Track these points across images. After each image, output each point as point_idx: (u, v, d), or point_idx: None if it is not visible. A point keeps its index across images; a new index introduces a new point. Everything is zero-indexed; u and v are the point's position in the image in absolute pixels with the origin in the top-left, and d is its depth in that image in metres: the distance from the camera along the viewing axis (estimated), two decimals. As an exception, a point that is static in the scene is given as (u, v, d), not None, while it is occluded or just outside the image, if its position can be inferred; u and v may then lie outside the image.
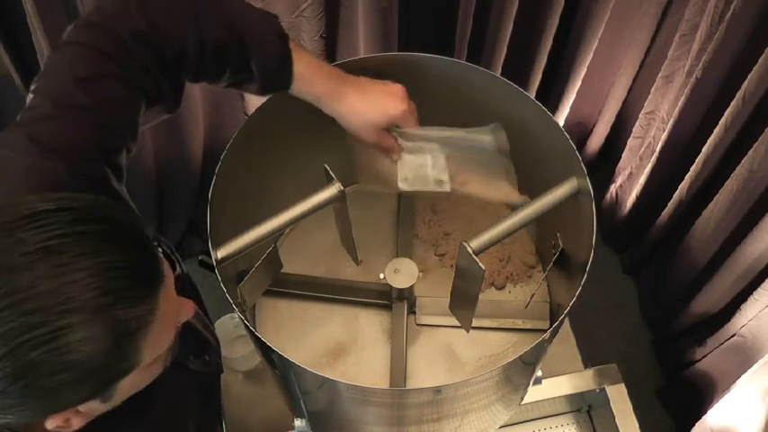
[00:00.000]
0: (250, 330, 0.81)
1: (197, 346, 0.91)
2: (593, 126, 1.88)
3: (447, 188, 0.97)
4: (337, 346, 1.11)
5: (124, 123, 0.75)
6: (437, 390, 0.80)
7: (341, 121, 0.90)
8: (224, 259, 0.86)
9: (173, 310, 0.63)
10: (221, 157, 0.91)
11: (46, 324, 0.52)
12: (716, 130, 1.42)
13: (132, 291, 0.56)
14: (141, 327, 0.57)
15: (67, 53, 0.73)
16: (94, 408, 0.62)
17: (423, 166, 0.96)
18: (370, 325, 1.13)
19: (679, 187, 1.61)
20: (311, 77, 0.86)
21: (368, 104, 0.88)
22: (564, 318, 0.86)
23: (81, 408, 0.60)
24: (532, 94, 1.64)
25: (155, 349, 0.61)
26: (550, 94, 1.77)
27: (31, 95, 0.72)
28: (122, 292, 0.55)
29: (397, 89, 0.91)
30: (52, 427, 0.59)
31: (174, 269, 0.84)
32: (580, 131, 1.90)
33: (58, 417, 0.59)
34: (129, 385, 0.62)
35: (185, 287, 0.94)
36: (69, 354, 0.53)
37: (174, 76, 0.79)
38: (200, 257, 0.98)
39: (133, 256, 0.57)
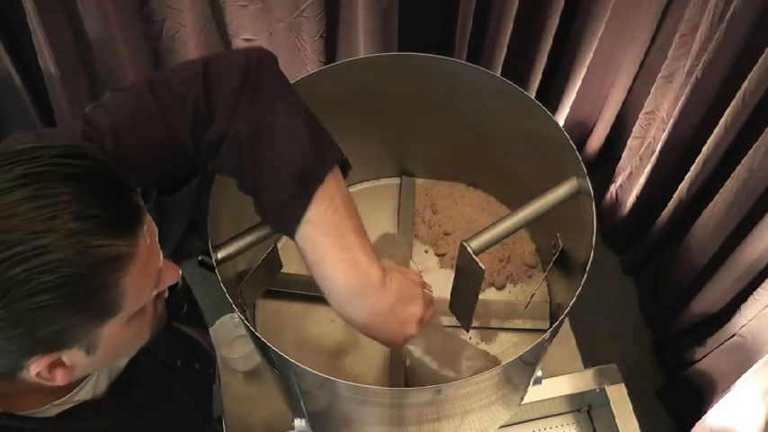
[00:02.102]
0: (250, 330, 0.81)
1: (186, 351, 0.91)
2: (593, 126, 1.88)
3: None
4: (337, 346, 1.11)
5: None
6: (437, 390, 0.80)
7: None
8: (224, 259, 0.86)
9: (154, 263, 0.63)
10: (221, 157, 0.90)
11: (24, 242, 0.53)
12: (716, 130, 1.42)
13: (111, 223, 0.57)
14: (119, 263, 0.57)
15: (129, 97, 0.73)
16: (79, 361, 0.62)
17: None
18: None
19: (679, 187, 1.61)
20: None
21: (375, 332, 0.78)
22: (564, 318, 0.86)
23: (65, 358, 0.60)
24: (532, 94, 1.64)
25: (135, 298, 0.61)
26: (550, 94, 1.77)
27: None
28: (101, 221, 0.56)
29: (415, 310, 0.79)
30: (35, 373, 0.59)
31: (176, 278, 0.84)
32: (580, 131, 1.90)
33: (42, 361, 0.59)
34: (111, 339, 0.62)
35: (190, 303, 0.95)
36: (48, 273, 0.53)
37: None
38: (200, 257, 0.98)
39: (113, 192, 0.58)
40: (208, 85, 0.71)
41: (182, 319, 0.92)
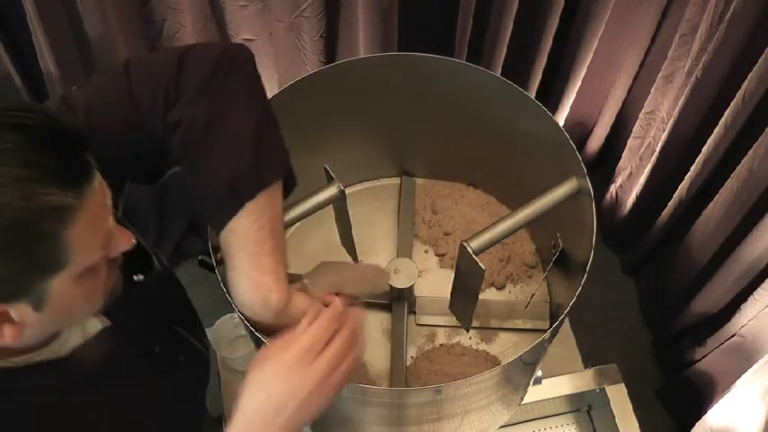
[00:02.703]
0: (250, 330, 0.81)
1: (169, 340, 0.91)
2: (593, 126, 1.88)
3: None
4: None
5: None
6: (437, 390, 0.80)
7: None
8: (224, 259, 0.86)
9: (103, 222, 0.63)
10: (221, 157, 0.90)
11: None
12: (716, 130, 1.42)
13: (58, 173, 0.57)
14: (64, 213, 0.58)
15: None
16: (27, 317, 0.62)
17: None
18: (370, 325, 1.13)
19: (679, 187, 1.61)
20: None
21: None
22: (564, 318, 0.86)
23: (12, 313, 0.60)
24: (532, 94, 1.64)
25: (82, 254, 0.61)
26: (550, 94, 1.77)
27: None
28: (47, 170, 0.57)
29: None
30: None
31: (151, 265, 0.86)
32: (580, 131, 1.90)
33: None
34: (61, 297, 0.62)
35: (168, 285, 0.95)
36: None
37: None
38: (200, 257, 0.98)
39: (63, 144, 0.59)
40: (180, 70, 0.72)
41: (170, 314, 0.93)
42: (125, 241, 0.68)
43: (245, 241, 0.73)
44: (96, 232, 0.63)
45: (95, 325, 0.78)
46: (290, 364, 0.71)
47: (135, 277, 0.83)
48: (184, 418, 0.94)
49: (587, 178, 0.90)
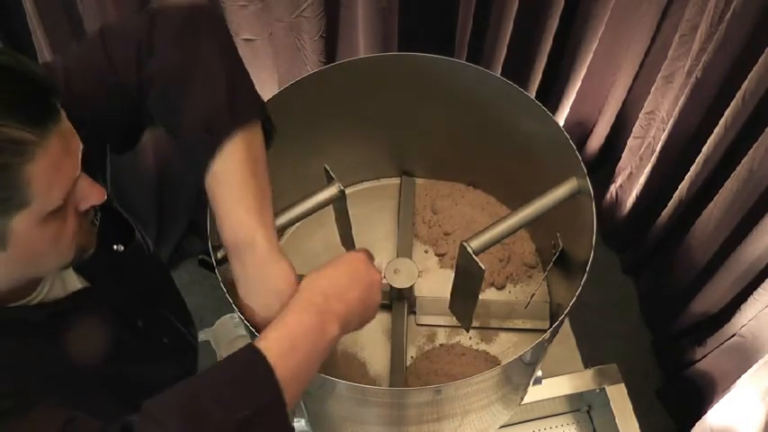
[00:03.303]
0: (250, 330, 0.81)
1: (155, 318, 0.93)
2: (593, 126, 1.88)
3: None
4: (337, 346, 1.10)
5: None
6: (437, 390, 0.80)
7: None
8: (224, 259, 0.86)
9: (68, 167, 0.64)
10: (221, 157, 0.90)
11: None
12: (716, 130, 1.42)
13: (20, 108, 0.59)
14: (24, 147, 0.59)
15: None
16: None
17: None
18: (370, 325, 1.12)
19: (679, 187, 1.61)
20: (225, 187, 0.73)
21: (246, 294, 0.76)
22: (564, 318, 0.86)
23: None
24: (532, 94, 1.64)
25: (44, 194, 0.62)
26: (550, 94, 1.77)
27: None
28: (8, 103, 0.58)
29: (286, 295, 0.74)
30: None
31: (132, 237, 0.89)
32: (580, 131, 1.90)
33: None
34: (24, 238, 0.63)
35: (151, 264, 0.98)
36: None
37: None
38: (200, 257, 0.98)
39: (28, 82, 0.60)
40: (153, 27, 0.74)
41: (154, 293, 0.95)
42: (95, 196, 0.69)
43: (227, 184, 0.72)
44: (59, 176, 0.63)
45: (75, 283, 0.80)
46: (350, 260, 0.77)
47: (115, 246, 0.85)
48: None
49: (587, 178, 0.90)
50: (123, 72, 0.74)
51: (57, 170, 0.62)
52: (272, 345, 0.66)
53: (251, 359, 0.65)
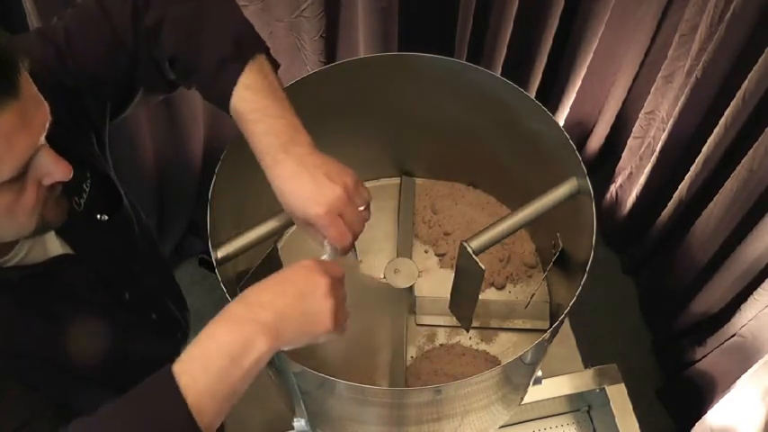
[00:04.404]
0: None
1: (143, 293, 0.94)
2: (593, 126, 1.88)
3: None
4: (337, 346, 1.10)
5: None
6: (437, 390, 0.80)
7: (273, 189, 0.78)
8: (224, 259, 0.86)
9: (24, 135, 0.63)
10: (221, 157, 0.91)
11: None
12: (716, 130, 1.42)
13: None
14: None
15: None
16: None
17: None
18: (370, 325, 1.13)
19: (679, 187, 1.61)
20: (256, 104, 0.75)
21: (295, 186, 0.74)
22: (564, 318, 0.86)
23: None
24: (532, 94, 1.64)
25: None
26: (550, 94, 1.77)
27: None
28: None
29: (341, 183, 0.74)
30: None
31: (120, 207, 0.90)
32: (580, 131, 1.90)
33: None
34: None
35: (149, 251, 1.00)
36: None
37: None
38: (200, 257, 0.98)
39: None
40: None
41: (142, 266, 0.95)
42: (60, 172, 0.69)
43: (259, 93, 0.75)
44: (10, 150, 0.63)
45: (57, 248, 0.80)
46: (290, 269, 0.72)
47: (99, 216, 0.85)
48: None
49: (587, 178, 0.90)
50: (120, 25, 0.77)
51: (8, 144, 0.62)
52: (185, 367, 0.64)
53: (164, 386, 0.64)
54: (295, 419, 1.10)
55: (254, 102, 0.75)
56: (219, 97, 0.76)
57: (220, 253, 0.86)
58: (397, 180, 1.26)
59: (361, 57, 1.35)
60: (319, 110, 1.04)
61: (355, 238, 0.76)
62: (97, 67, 0.78)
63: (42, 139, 0.66)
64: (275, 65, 0.81)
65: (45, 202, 0.70)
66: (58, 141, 0.68)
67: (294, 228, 1.19)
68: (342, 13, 1.35)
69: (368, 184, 1.27)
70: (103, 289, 0.87)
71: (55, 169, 0.68)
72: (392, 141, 1.19)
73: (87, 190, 0.80)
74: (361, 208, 0.78)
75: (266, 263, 0.94)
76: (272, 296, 0.69)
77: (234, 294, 0.79)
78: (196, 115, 1.50)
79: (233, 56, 0.75)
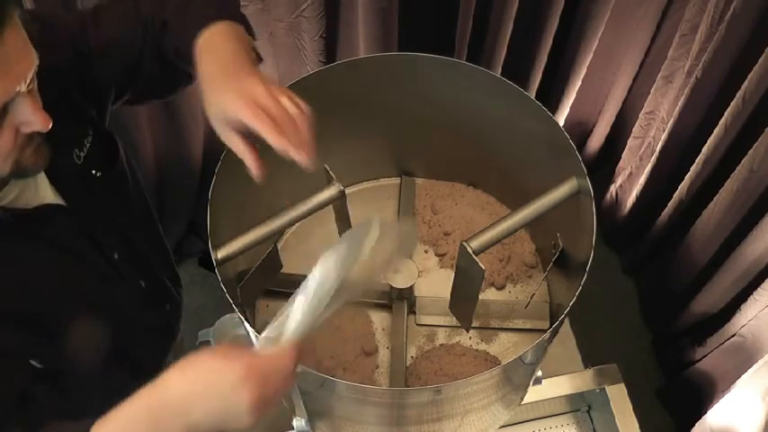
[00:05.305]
0: (250, 330, 0.81)
1: (132, 255, 0.95)
2: (594, 126, 1.88)
3: None
4: (337, 346, 1.11)
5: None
6: (437, 390, 0.80)
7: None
8: (224, 259, 0.86)
9: (4, 84, 0.65)
10: (221, 157, 0.91)
11: None
12: (716, 130, 1.42)
13: None
14: None
15: None
16: None
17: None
18: (370, 324, 1.13)
19: (679, 187, 1.61)
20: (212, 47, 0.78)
21: (220, 91, 0.75)
22: (564, 318, 0.86)
23: None
24: (532, 94, 1.64)
25: None
26: (550, 94, 1.77)
27: None
28: None
29: (252, 86, 0.74)
30: None
31: (114, 164, 0.93)
32: (580, 131, 1.90)
33: None
34: None
35: (143, 214, 1.03)
36: None
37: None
38: (200, 257, 0.98)
39: None
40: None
41: (135, 229, 0.97)
42: (39, 123, 0.70)
43: (223, 36, 0.78)
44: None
45: (49, 197, 0.82)
46: (239, 369, 0.65)
47: (93, 171, 0.88)
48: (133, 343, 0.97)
49: (587, 178, 0.90)
50: (145, 14, 0.86)
51: None
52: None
53: None
54: (295, 419, 1.10)
55: (211, 40, 0.78)
56: (187, 46, 0.78)
57: (220, 253, 0.86)
58: (397, 180, 1.26)
59: (361, 57, 1.35)
60: (319, 110, 1.04)
61: (294, 136, 0.74)
62: (113, 43, 0.85)
63: (23, 87, 0.67)
64: (252, 37, 0.85)
65: (23, 149, 0.72)
66: (66, 98, 0.72)
67: (294, 228, 1.19)
68: (342, 13, 1.35)
69: (368, 184, 1.27)
70: (90, 245, 0.88)
71: (33, 118, 0.69)
72: (392, 141, 1.19)
73: (88, 146, 0.85)
74: (293, 108, 0.76)
75: (266, 263, 0.94)
76: (193, 399, 0.65)
77: (234, 294, 0.80)
78: (196, 115, 1.50)
79: (200, 20, 0.79)
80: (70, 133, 0.83)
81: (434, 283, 1.15)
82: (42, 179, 0.81)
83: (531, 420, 1.30)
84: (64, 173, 0.82)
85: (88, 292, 0.88)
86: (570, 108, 1.78)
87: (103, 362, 0.67)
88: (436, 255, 1.19)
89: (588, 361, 1.27)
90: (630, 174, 1.79)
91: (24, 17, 0.66)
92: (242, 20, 0.85)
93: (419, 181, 1.26)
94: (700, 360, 1.63)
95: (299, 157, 0.73)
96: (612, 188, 1.90)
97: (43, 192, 0.82)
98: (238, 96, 0.72)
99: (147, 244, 1.03)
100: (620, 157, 1.86)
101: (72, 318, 0.82)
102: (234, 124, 0.74)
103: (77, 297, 0.86)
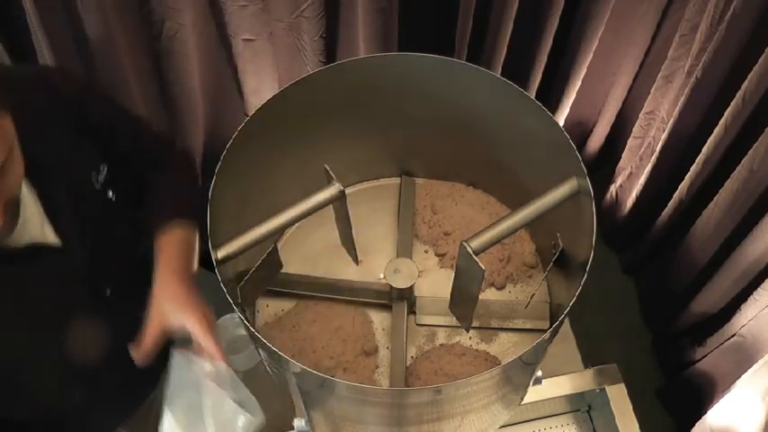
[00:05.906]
0: (250, 330, 0.81)
1: (124, 285, 0.97)
2: (594, 126, 1.88)
3: None
4: (338, 346, 1.10)
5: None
6: (437, 390, 0.80)
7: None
8: (224, 259, 0.86)
9: None
10: (221, 157, 0.91)
11: None
12: (716, 130, 1.42)
13: None
14: None
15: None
16: None
17: None
18: (369, 324, 1.13)
19: (679, 187, 1.61)
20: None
21: (176, 306, 0.91)
22: (564, 318, 0.86)
23: None
24: (532, 94, 1.64)
25: None
26: (550, 94, 1.77)
27: None
28: None
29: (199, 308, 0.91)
30: None
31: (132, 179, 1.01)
32: (580, 131, 1.90)
33: None
34: None
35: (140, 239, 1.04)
36: None
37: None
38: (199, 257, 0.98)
39: None
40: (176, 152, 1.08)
41: (134, 269, 0.98)
42: (14, 172, 0.73)
43: (179, 247, 0.95)
44: None
45: (40, 235, 0.83)
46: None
47: (111, 194, 0.94)
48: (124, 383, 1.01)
49: (587, 178, 0.90)
50: (150, 148, 1.01)
51: None
52: None
53: None
54: (295, 419, 1.10)
55: (168, 250, 0.94)
56: (151, 228, 0.96)
57: (220, 253, 0.86)
58: (397, 180, 1.26)
59: (361, 57, 1.35)
60: (319, 110, 1.04)
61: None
62: (111, 138, 0.94)
63: None
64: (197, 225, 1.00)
65: None
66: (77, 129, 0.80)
67: (294, 228, 1.19)
68: (342, 13, 1.35)
69: (368, 184, 1.27)
70: (83, 283, 0.89)
71: (12, 169, 0.72)
72: (392, 141, 1.19)
73: (104, 171, 0.92)
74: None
75: (266, 263, 0.94)
76: None
77: (234, 294, 0.79)
78: (196, 115, 1.50)
79: (172, 214, 0.97)
80: (84, 157, 0.89)
81: (434, 283, 1.15)
82: (34, 216, 0.82)
83: (531, 420, 1.30)
84: (83, 199, 0.86)
85: (77, 334, 0.89)
86: (570, 108, 1.78)
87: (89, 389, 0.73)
88: (436, 255, 1.19)
89: (588, 361, 1.27)
90: (630, 174, 1.79)
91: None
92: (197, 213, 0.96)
93: (419, 181, 1.26)
94: (700, 360, 1.62)
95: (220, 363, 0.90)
96: (612, 188, 1.90)
97: (35, 231, 0.82)
98: (192, 314, 0.89)
99: (143, 275, 1.03)
100: (620, 157, 1.86)
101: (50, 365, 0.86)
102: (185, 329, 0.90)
103: (74, 341, 0.89)
